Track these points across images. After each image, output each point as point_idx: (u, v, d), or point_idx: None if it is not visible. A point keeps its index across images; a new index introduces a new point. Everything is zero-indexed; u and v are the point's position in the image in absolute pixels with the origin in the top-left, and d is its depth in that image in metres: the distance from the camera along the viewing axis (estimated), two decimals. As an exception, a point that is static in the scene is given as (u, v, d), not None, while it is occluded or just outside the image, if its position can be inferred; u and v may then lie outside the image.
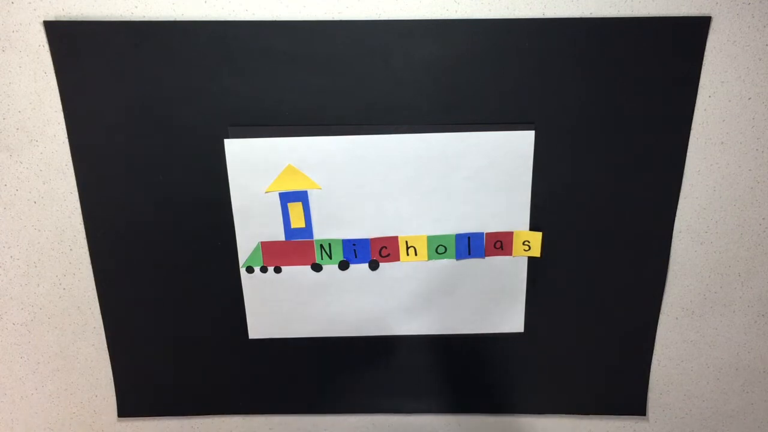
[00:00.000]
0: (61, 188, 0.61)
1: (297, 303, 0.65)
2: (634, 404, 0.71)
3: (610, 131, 0.58)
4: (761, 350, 0.68)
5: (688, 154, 0.59)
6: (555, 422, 0.72)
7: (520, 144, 0.58)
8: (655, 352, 0.68)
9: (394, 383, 0.70)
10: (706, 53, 0.56)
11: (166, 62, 0.56)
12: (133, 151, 0.59)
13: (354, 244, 0.62)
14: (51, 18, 0.55)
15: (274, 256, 0.63)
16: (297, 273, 0.63)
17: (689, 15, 0.54)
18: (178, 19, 0.55)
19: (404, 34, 0.55)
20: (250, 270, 0.63)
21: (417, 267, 0.63)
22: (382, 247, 0.62)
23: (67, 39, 0.55)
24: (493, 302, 0.65)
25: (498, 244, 0.62)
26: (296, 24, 0.55)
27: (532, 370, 0.69)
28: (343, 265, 0.63)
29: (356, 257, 0.63)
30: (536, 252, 0.62)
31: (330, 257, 0.63)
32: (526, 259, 0.63)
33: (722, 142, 0.59)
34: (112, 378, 0.70)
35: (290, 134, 0.58)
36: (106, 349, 0.68)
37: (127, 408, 0.71)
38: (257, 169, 0.59)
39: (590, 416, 0.72)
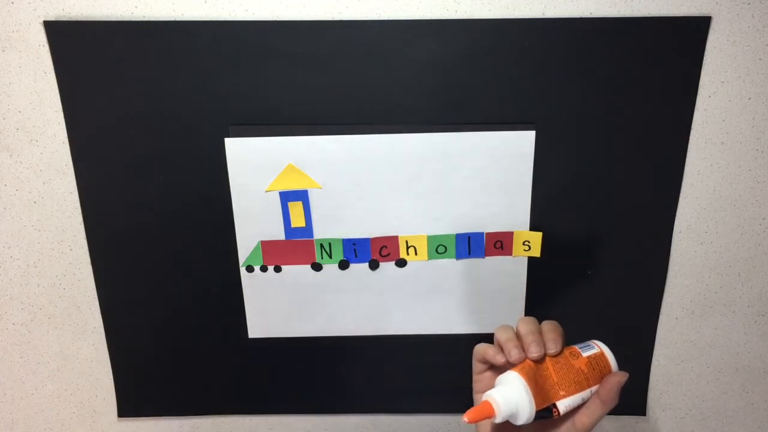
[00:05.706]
0: (61, 188, 0.61)
1: (297, 302, 0.65)
2: (634, 404, 0.71)
3: (610, 131, 0.58)
4: (761, 350, 0.68)
5: (688, 154, 0.59)
6: (555, 422, 0.72)
7: (520, 144, 0.58)
8: (655, 352, 0.68)
9: (394, 383, 0.70)
10: (706, 53, 0.56)
11: (166, 62, 0.56)
12: (133, 151, 0.59)
13: (354, 244, 0.62)
14: (51, 18, 0.55)
15: (274, 256, 0.63)
16: (297, 272, 0.63)
17: (689, 15, 0.54)
18: (178, 19, 0.55)
19: (404, 34, 0.55)
20: (250, 269, 0.63)
21: (417, 267, 0.63)
22: (382, 247, 0.62)
23: (67, 39, 0.55)
24: (493, 302, 0.65)
25: (498, 244, 0.62)
26: (296, 24, 0.55)
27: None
28: (343, 265, 0.63)
29: (356, 257, 0.63)
30: (536, 252, 0.62)
31: (330, 256, 0.63)
32: (526, 259, 0.63)
33: (722, 142, 0.59)
34: (112, 378, 0.70)
35: (291, 133, 0.58)
36: (106, 349, 0.68)
37: (127, 408, 0.71)
38: (258, 168, 0.59)
39: (590, 416, 0.72)
